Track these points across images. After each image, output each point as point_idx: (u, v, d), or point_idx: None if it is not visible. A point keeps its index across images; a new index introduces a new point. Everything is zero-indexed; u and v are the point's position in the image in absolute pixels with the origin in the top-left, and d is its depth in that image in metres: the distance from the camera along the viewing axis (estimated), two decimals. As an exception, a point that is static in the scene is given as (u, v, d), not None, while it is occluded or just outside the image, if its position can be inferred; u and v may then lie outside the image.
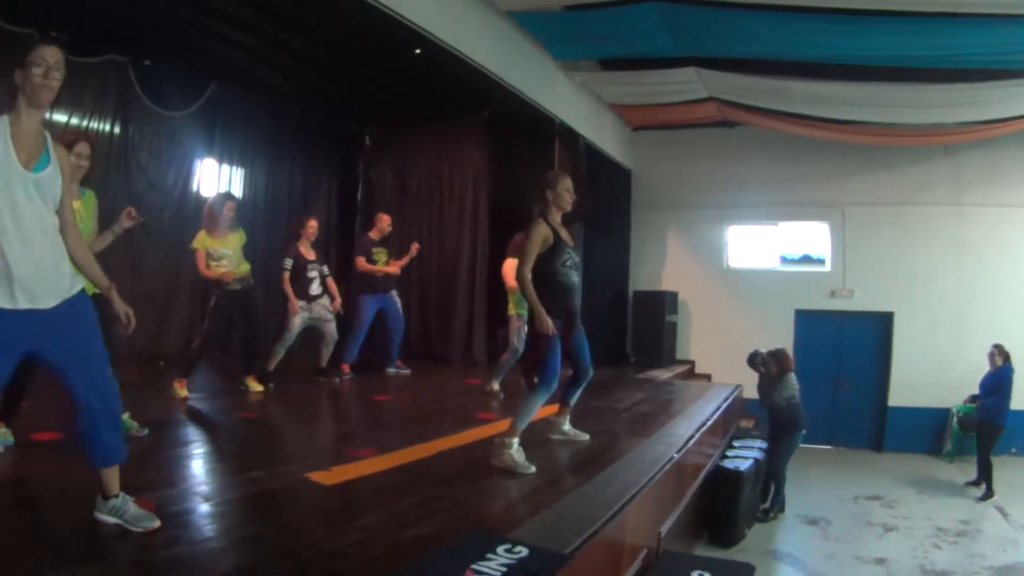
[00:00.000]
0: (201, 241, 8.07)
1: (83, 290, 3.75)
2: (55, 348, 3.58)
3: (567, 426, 6.85)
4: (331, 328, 9.81)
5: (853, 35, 9.60)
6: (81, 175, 5.42)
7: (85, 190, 5.60)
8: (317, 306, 9.61)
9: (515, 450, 5.63)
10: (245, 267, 8.28)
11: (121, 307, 4.19)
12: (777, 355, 11.05)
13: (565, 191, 6.02)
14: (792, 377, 10.90)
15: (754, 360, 11.27)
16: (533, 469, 5.56)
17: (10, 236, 3.38)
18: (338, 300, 9.87)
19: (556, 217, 6.03)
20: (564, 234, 6.04)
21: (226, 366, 9.64)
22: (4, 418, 5.27)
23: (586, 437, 6.84)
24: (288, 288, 9.39)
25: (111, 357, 5.58)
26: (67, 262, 3.70)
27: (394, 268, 10.98)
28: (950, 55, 10.11)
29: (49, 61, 3.59)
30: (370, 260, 10.82)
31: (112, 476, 3.78)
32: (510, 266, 8.92)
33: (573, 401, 6.78)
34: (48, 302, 3.52)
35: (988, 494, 11.77)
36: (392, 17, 8.09)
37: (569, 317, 6.02)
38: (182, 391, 7.91)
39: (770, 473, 10.69)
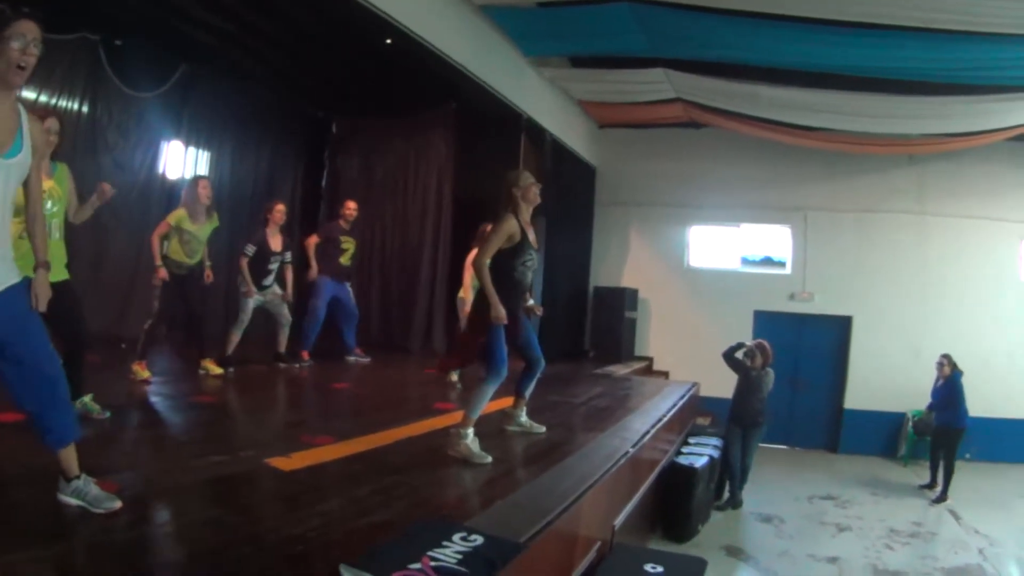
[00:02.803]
0: (177, 218, 8.04)
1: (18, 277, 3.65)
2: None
3: (524, 418, 6.91)
4: (284, 311, 9.87)
5: (821, 44, 9.71)
6: (51, 151, 5.33)
7: (57, 164, 5.53)
8: (268, 292, 9.64)
9: (470, 440, 5.70)
10: (197, 258, 8.27)
11: (41, 291, 3.88)
12: (763, 347, 11.25)
13: (530, 184, 6.11)
14: (771, 371, 11.15)
15: (735, 351, 11.39)
16: (489, 459, 5.64)
17: None
18: (289, 291, 9.90)
19: (526, 215, 6.11)
20: (531, 235, 6.12)
21: (185, 349, 9.65)
22: (75, 395, 5.27)
23: (542, 429, 6.92)
24: (246, 272, 9.38)
25: (82, 339, 5.63)
26: (10, 248, 3.64)
27: (313, 271, 10.94)
28: (917, 68, 10.25)
29: (27, 36, 3.49)
30: (338, 247, 10.85)
31: (70, 457, 3.77)
32: (474, 256, 9.01)
33: (528, 392, 6.85)
34: None
35: (943, 497, 11.96)
36: (364, 6, 8.09)
37: (515, 314, 6.10)
38: (143, 372, 7.87)
39: (734, 466, 10.93)
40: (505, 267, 5.97)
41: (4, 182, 3.48)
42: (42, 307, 3.80)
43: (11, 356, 3.49)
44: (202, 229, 8.16)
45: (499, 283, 5.87)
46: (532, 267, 6.18)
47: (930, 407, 12.99)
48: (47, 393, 3.61)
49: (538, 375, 6.70)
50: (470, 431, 5.74)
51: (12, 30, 3.45)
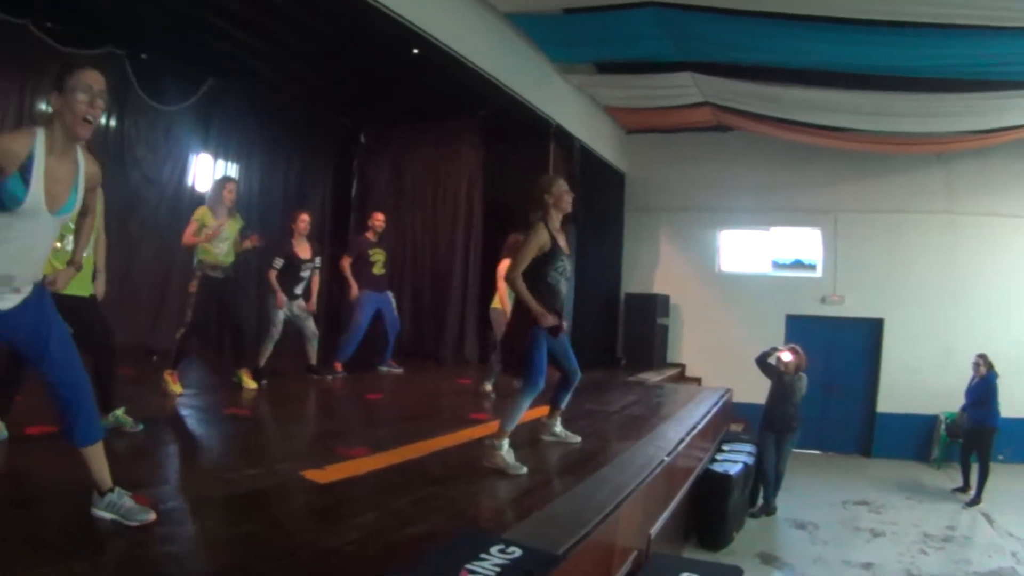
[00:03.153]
0: (203, 215, 8.02)
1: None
2: (20, 337, 3.61)
3: (559, 428, 6.87)
4: (310, 324, 9.86)
5: (848, 44, 9.64)
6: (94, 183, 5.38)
7: None
8: (295, 305, 9.66)
9: (505, 451, 5.65)
10: (231, 258, 8.22)
11: (62, 278, 4.10)
12: (796, 352, 11.24)
13: (564, 192, 6.04)
14: (804, 376, 11.11)
15: (767, 356, 11.35)
16: (524, 470, 5.58)
17: (8, 259, 3.43)
18: (313, 301, 9.90)
19: (556, 222, 6.05)
20: (562, 242, 6.07)
21: (217, 359, 9.67)
22: (105, 409, 5.29)
23: (578, 439, 6.86)
24: (274, 283, 9.43)
25: (110, 352, 5.64)
26: (41, 274, 3.72)
27: (354, 289, 10.90)
28: (944, 65, 10.17)
29: (94, 88, 3.48)
30: (367, 261, 10.85)
31: (102, 469, 3.75)
32: (506, 266, 8.99)
33: (563, 404, 6.79)
34: (13, 305, 3.55)
35: (976, 500, 11.85)
36: (391, 16, 8.10)
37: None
38: (175, 385, 7.86)
39: (768, 472, 10.88)
40: (538, 275, 5.90)
41: (52, 233, 3.60)
42: (58, 288, 3.98)
43: (37, 353, 3.56)
44: (228, 226, 8.14)
45: (534, 293, 5.82)
46: (565, 274, 6.10)
47: (964, 408, 12.86)
48: (72, 392, 3.63)
49: (574, 387, 6.65)
50: (505, 442, 5.69)
51: (77, 80, 3.45)
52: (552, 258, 5.93)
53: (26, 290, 3.58)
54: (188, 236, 7.99)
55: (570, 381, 6.56)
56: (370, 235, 11.01)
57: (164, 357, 8.86)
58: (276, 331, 9.45)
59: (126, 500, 3.76)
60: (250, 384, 8.79)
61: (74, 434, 3.65)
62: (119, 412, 5.84)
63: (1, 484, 4.45)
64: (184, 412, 7.35)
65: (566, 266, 6.12)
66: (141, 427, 5.96)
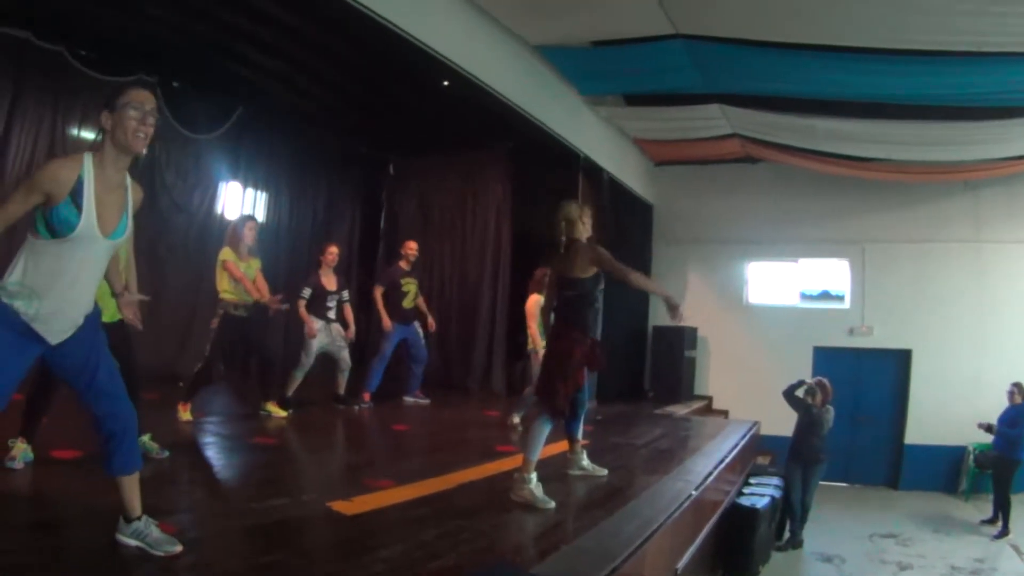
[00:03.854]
0: (229, 255, 8.05)
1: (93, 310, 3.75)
2: (68, 365, 3.63)
3: (585, 461, 6.83)
4: (345, 355, 9.85)
5: (875, 74, 9.62)
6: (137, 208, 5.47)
7: None
8: (333, 330, 9.66)
9: (534, 485, 5.64)
10: (250, 298, 8.22)
11: (127, 309, 4.42)
12: (823, 385, 11.21)
13: (589, 219, 6.24)
14: (831, 408, 11.05)
15: (795, 389, 11.31)
16: (552, 504, 5.56)
17: (63, 288, 3.48)
18: (352, 329, 9.90)
19: None
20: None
21: (244, 389, 9.69)
22: (25, 435, 5.28)
23: (604, 472, 6.82)
24: (304, 314, 9.45)
25: (135, 378, 5.65)
26: (92, 302, 3.76)
27: (387, 321, 10.75)
28: (972, 93, 10.14)
29: (145, 106, 3.59)
30: (399, 291, 10.81)
31: (133, 497, 3.76)
32: (534, 302, 8.98)
33: (579, 435, 6.76)
34: (68, 335, 3.58)
35: (1004, 532, 11.71)
36: (422, 49, 8.15)
37: (594, 345, 6.08)
38: (185, 414, 7.88)
39: (795, 505, 10.81)
40: (592, 296, 6.04)
41: (104, 258, 3.66)
42: (137, 324, 4.44)
43: (83, 383, 3.61)
44: (246, 267, 8.16)
45: (587, 312, 5.99)
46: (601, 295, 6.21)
47: (989, 426, 12.59)
48: (117, 423, 3.67)
49: (582, 416, 6.64)
50: (533, 476, 5.68)
51: (129, 98, 3.58)
52: (598, 285, 6.07)
53: (79, 321, 3.61)
54: (237, 275, 8.03)
55: (578, 412, 6.54)
56: (403, 264, 10.97)
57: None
58: (308, 361, 9.47)
59: (153, 529, 3.76)
60: (279, 412, 8.81)
61: (113, 463, 3.67)
62: (145, 438, 5.85)
63: (26, 507, 4.47)
64: (210, 440, 7.39)
65: (601, 287, 6.20)
66: (167, 453, 6.00)
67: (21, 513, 4.31)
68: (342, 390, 10.08)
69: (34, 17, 9.31)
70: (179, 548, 3.74)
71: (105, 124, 3.54)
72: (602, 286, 6.09)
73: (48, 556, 3.61)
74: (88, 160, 3.50)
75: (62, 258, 3.43)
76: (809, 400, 11.10)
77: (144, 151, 3.64)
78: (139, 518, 3.75)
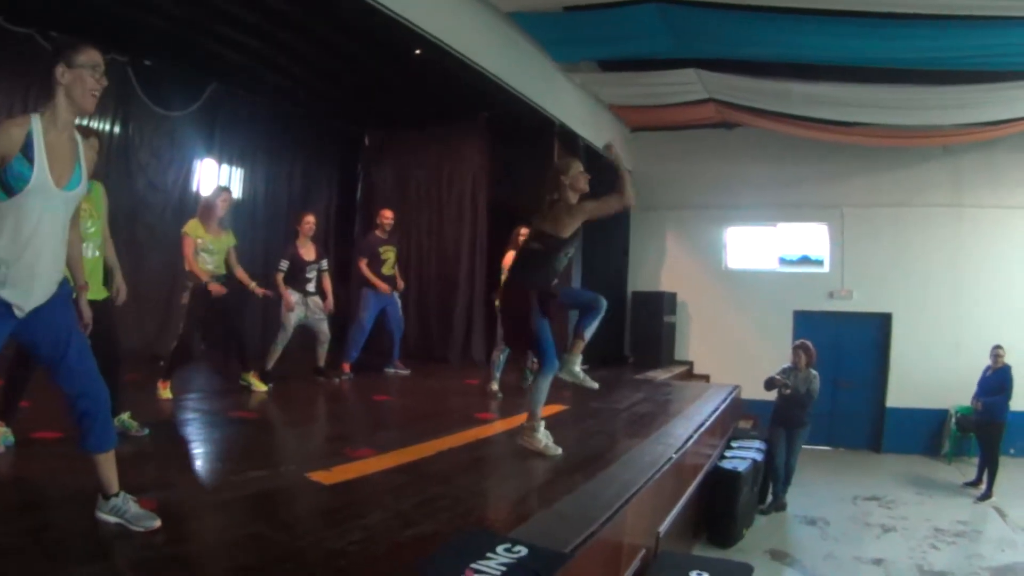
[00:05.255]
0: (193, 229, 7.98)
1: (63, 284, 3.78)
2: (39, 341, 3.65)
3: (578, 367, 6.42)
4: (324, 327, 9.86)
5: (852, 37, 9.62)
6: (92, 168, 5.43)
7: (93, 183, 5.54)
8: (311, 303, 9.67)
9: (542, 432, 5.85)
10: (222, 270, 8.16)
11: (85, 311, 4.32)
12: (807, 347, 11.30)
13: (579, 173, 6.16)
14: (816, 374, 11.20)
15: (773, 383, 11.32)
16: (560, 451, 5.85)
17: (27, 259, 3.49)
18: (330, 300, 9.88)
19: (573, 203, 6.13)
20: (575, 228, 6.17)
21: (223, 365, 9.67)
22: (4, 417, 5.25)
23: (595, 385, 6.53)
24: (281, 286, 9.45)
25: (116, 357, 5.66)
26: (64, 270, 3.81)
27: (383, 286, 10.88)
28: (948, 57, 10.14)
29: (100, 66, 3.69)
30: (378, 259, 10.83)
31: (110, 474, 3.76)
32: (510, 259, 8.96)
33: (588, 333, 6.39)
34: (34, 306, 3.58)
35: (987, 495, 11.81)
36: (392, 18, 8.08)
37: (549, 297, 6.09)
38: (164, 392, 7.81)
39: (778, 468, 10.94)
40: (558, 254, 6.06)
41: (64, 213, 3.67)
42: (87, 325, 4.16)
43: (55, 360, 3.61)
44: (217, 241, 8.07)
45: (544, 268, 6.03)
46: (570, 256, 6.28)
47: (977, 396, 12.74)
48: (89, 402, 3.67)
49: (602, 313, 6.34)
50: (540, 424, 5.89)
51: (87, 57, 3.65)
52: (574, 239, 6.11)
53: (52, 288, 3.65)
54: (188, 256, 7.96)
55: (595, 307, 6.29)
56: (379, 232, 10.99)
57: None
58: (286, 335, 9.47)
59: (131, 505, 3.76)
60: (260, 386, 8.80)
61: (88, 441, 3.68)
62: (124, 416, 5.83)
63: (7, 490, 4.45)
64: (190, 416, 7.37)
65: (571, 251, 6.23)
66: (147, 431, 5.96)
67: (3, 495, 4.30)
68: (322, 362, 10.08)
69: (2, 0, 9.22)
70: (158, 523, 3.74)
71: (61, 79, 3.59)
72: (571, 250, 6.14)
73: (29, 536, 3.60)
74: (36, 118, 3.54)
75: (22, 216, 3.46)
76: (785, 380, 11.14)
77: (94, 109, 3.77)
78: (117, 494, 3.75)
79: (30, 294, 3.52)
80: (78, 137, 3.76)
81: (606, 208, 6.10)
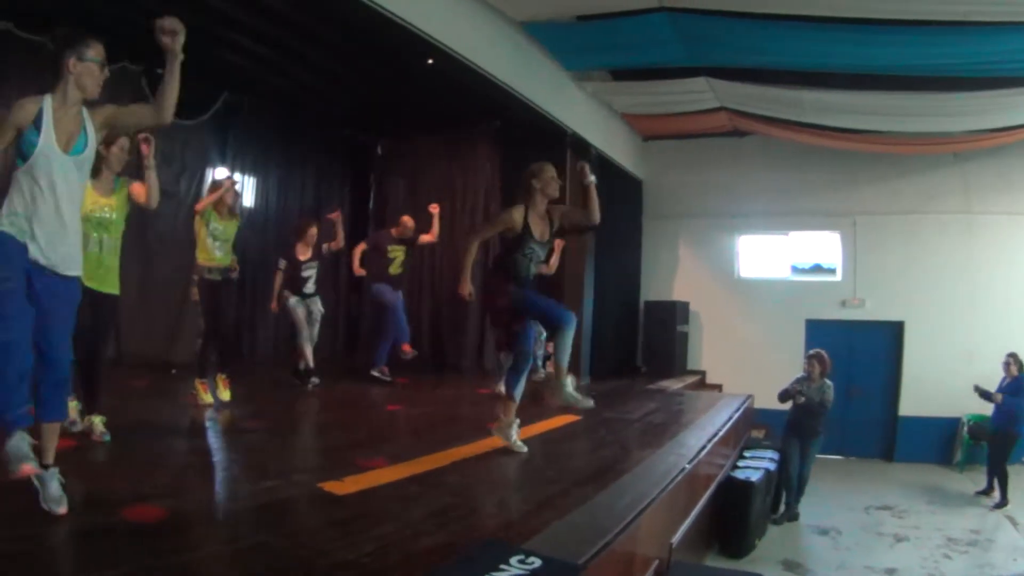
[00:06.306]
0: (207, 206, 7.97)
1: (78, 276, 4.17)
2: (43, 302, 3.92)
3: (571, 388, 6.37)
4: (315, 331, 9.94)
5: (863, 44, 9.62)
6: (121, 166, 6.03)
7: (119, 179, 6.00)
8: (311, 303, 9.80)
9: (571, 386, 6.15)
10: (227, 260, 8.09)
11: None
12: (821, 357, 11.17)
13: (550, 178, 6.25)
14: (830, 383, 11.11)
15: (787, 395, 11.23)
16: (591, 403, 6.24)
17: (44, 214, 3.91)
18: (340, 236, 10.24)
19: (541, 207, 6.27)
20: (538, 229, 6.27)
21: (234, 371, 9.70)
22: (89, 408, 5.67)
23: (591, 403, 6.48)
24: (277, 285, 9.68)
25: (101, 347, 5.83)
26: (80, 242, 4.26)
27: (357, 268, 11.13)
28: (959, 64, 10.12)
29: (103, 55, 4.20)
30: (384, 256, 10.89)
31: (50, 445, 4.02)
32: None
33: (565, 359, 6.31)
34: (64, 270, 4.02)
35: (1002, 503, 11.72)
36: (405, 28, 8.13)
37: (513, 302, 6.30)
38: (205, 396, 7.86)
39: (791, 478, 10.88)
40: (504, 256, 6.29)
41: (76, 174, 4.09)
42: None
43: (41, 325, 3.89)
44: (228, 226, 8.06)
45: (500, 272, 6.29)
46: (533, 259, 6.32)
47: (987, 394, 12.52)
48: (59, 370, 4.02)
49: (571, 332, 6.29)
50: (569, 379, 6.18)
51: (94, 50, 4.16)
52: (521, 243, 6.19)
53: (76, 257, 4.12)
54: (201, 241, 7.94)
55: (562, 327, 6.23)
56: (394, 231, 11.12)
57: (183, 370, 8.84)
58: (301, 325, 9.68)
59: (54, 483, 3.94)
60: (224, 394, 8.25)
61: (44, 408, 3.99)
62: (96, 419, 5.77)
63: (10, 495, 4.42)
64: (200, 423, 7.35)
65: (537, 252, 6.32)
66: (107, 439, 5.74)
67: (5, 501, 4.27)
68: (302, 365, 9.97)
69: (16, 7, 9.25)
70: (63, 510, 3.88)
71: (72, 70, 4.05)
72: (528, 250, 6.26)
73: (32, 541, 3.59)
74: (48, 98, 4.03)
75: (35, 179, 3.89)
76: (799, 388, 11.07)
77: (98, 94, 4.20)
78: (46, 467, 3.93)
79: (58, 256, 3.97)
80: (84, 112, 4.15)
81: (572, 217, 6.36)
